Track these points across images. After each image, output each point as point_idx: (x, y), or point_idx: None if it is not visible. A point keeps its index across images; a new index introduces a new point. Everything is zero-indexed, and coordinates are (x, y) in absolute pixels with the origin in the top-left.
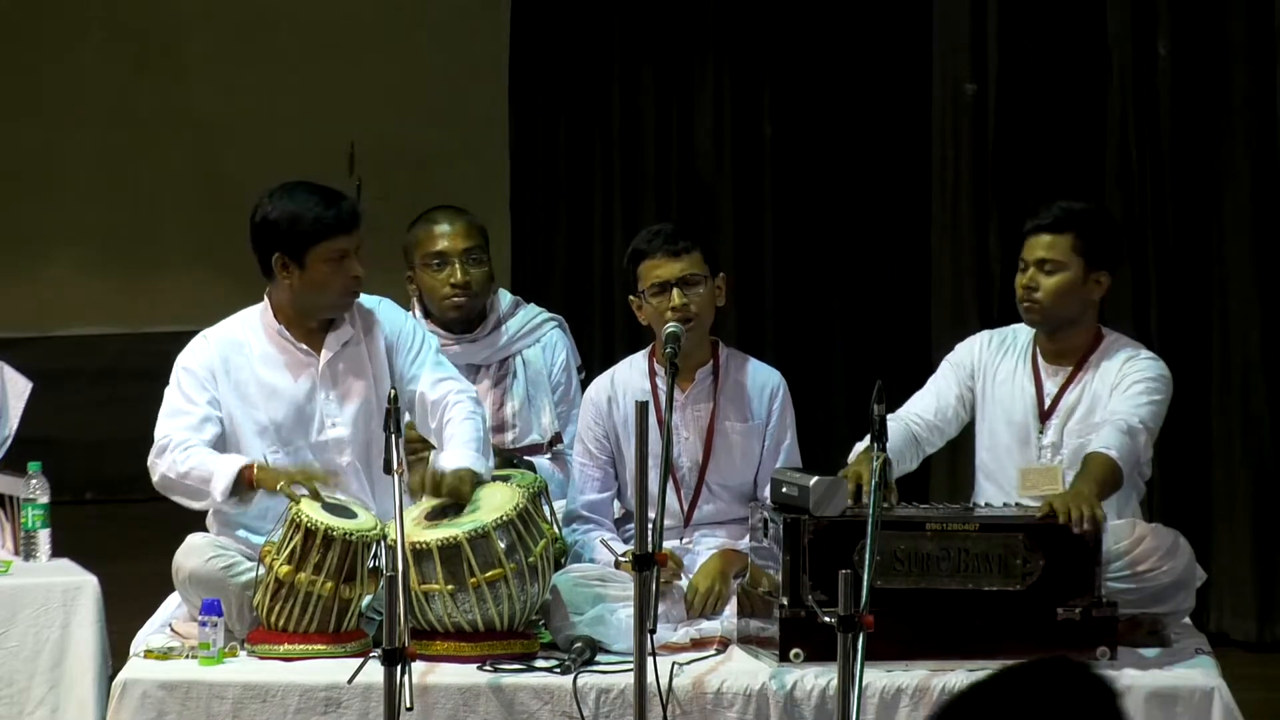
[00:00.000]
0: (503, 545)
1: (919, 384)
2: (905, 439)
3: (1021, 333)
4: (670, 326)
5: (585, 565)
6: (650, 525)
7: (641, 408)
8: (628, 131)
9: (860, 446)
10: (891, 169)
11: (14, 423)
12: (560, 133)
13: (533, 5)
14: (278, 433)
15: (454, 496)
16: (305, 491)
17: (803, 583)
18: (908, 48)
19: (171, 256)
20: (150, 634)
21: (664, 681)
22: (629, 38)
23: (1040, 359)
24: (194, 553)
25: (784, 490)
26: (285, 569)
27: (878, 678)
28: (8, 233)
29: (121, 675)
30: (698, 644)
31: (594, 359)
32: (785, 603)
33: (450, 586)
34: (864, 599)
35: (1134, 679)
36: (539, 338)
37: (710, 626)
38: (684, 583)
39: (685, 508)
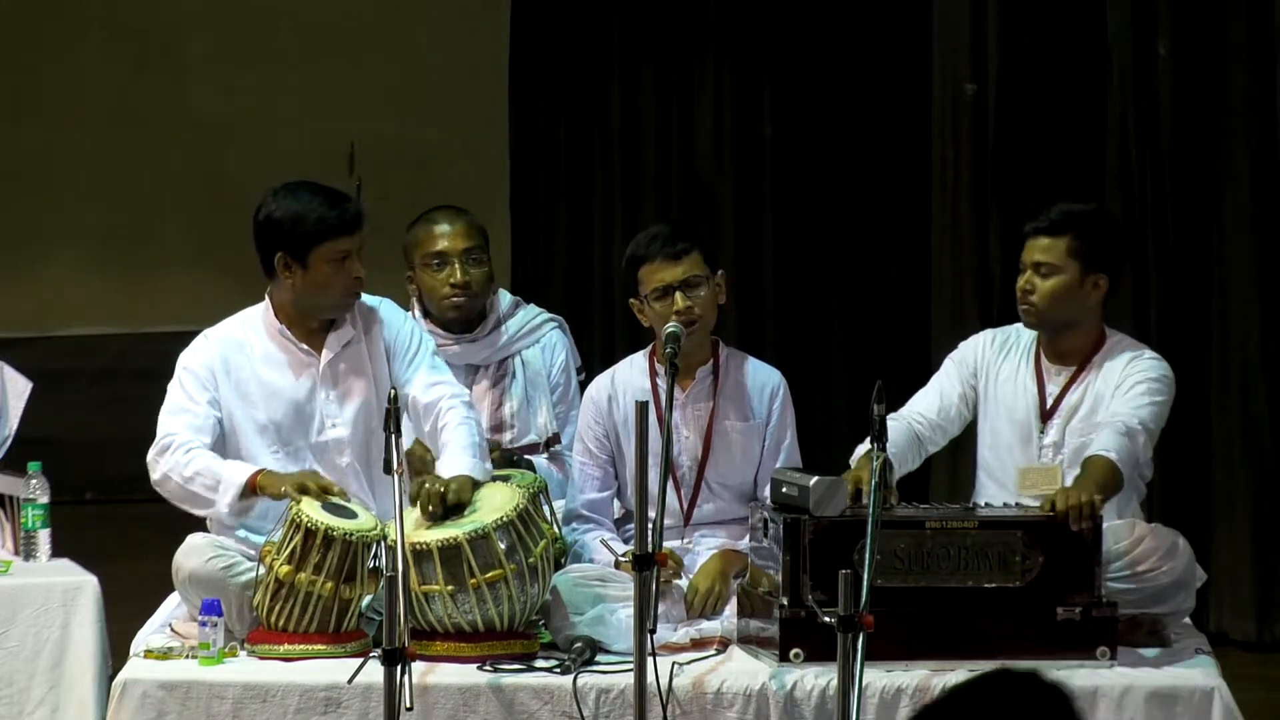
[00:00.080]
0: (503, 546)
1: (919, 384)
2: (908, 438)
3: (1025, 332)
4: (670, 326)
5: (585, 565)
6: (650, 525)
7: (641, 407)
8: (628, 131)
9: (862, 449)
10: (891, 169)
11: (14, 423)
12: (560, 133)
13: (533, 5)
14: (278, 432)
15: (454, 501)
16: (308, 500)
17: (803, 583)
18: (908, 48)
19: (171, 256)
20: (150, 634)
21: (664, 681)
22: (629, 38)
23: (1043, 359)
24: (194, 553)
25: (784, 490)
26: (285, 569)
27: (878, 678)
28: (8, 233)
29: (121, 675)
30: (698, 644)
31: (594, 359)
32: (785, 603)
33: (450, 587)
34: (864, 599)
35: (1134, 679)
36: (538, 338)
37: (710, 626)
38: (684, 583)
39: (685, 506)
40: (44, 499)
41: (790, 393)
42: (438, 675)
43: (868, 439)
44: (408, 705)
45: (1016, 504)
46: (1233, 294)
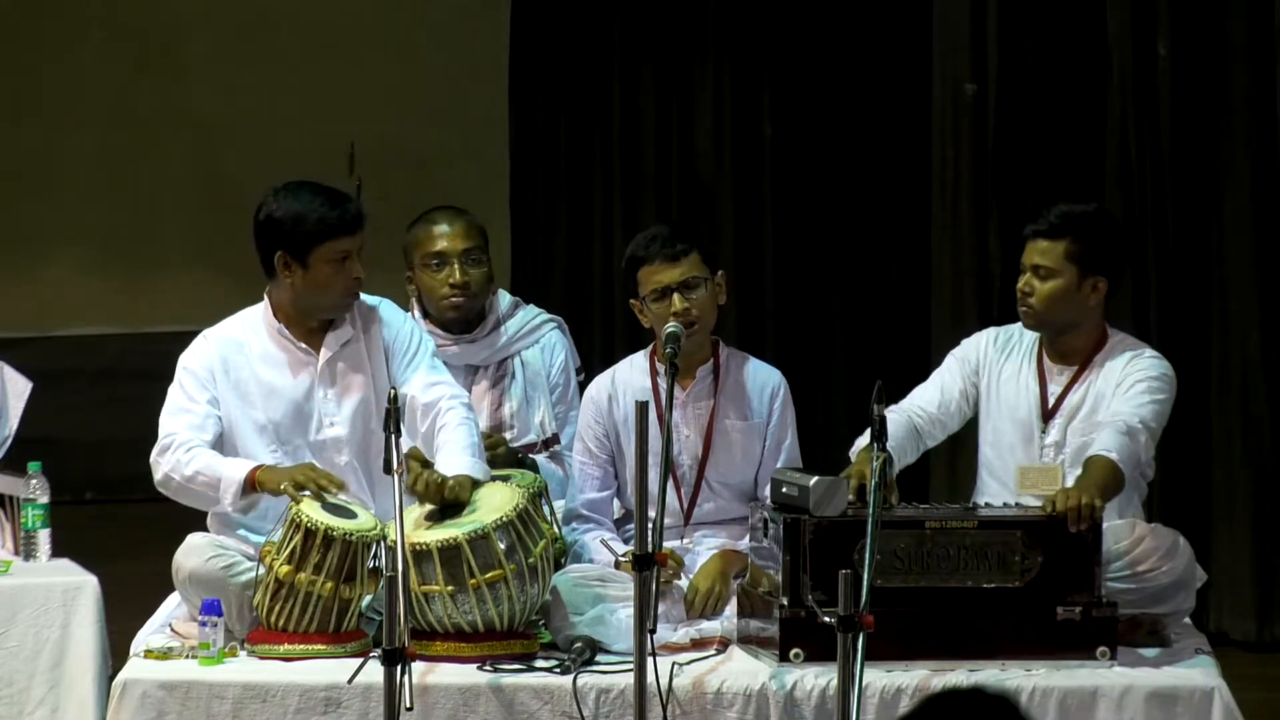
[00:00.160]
0: (502, 546)
1: (919, 384)
2: (907, 431)
3: (1027, 331)
4: (670, 326)
5: (585, 565)
6: (650, 524)
7: (641, 407)
8: (628, 131)
9: (861, 442)
10: (891, 169)
11: (14, 423)
12: (560, 133)
13: (533, 5)
14: (276, 432)
15: (455, 502)
16: (308, 493)
17: (803, 583)
18: (908, 48)
19: (171, 256)
20: (150, 634)
21: (664, 681)
22: (629, 38)
23: (1045, 358)
24: (194, 553)
25: (784, 490)
26: (285, 569)
27: (878, 678)
28: (8, 233)
29: (121, 675)
30: (698, 644)
31: (594, 359)
32: (785, 603)
33: (450, 587)
34: (864, 599)
35: (1134, 679)
36: (538, 339)
37: (710, 626)
38: (684, 583)
39: (685, 506)
40: (44, 499)
41: (790, 392)
42: (438, 675)
43: (867, 432)
44: (408, 705)
45: (1017, 504)
46: (1233, 294)
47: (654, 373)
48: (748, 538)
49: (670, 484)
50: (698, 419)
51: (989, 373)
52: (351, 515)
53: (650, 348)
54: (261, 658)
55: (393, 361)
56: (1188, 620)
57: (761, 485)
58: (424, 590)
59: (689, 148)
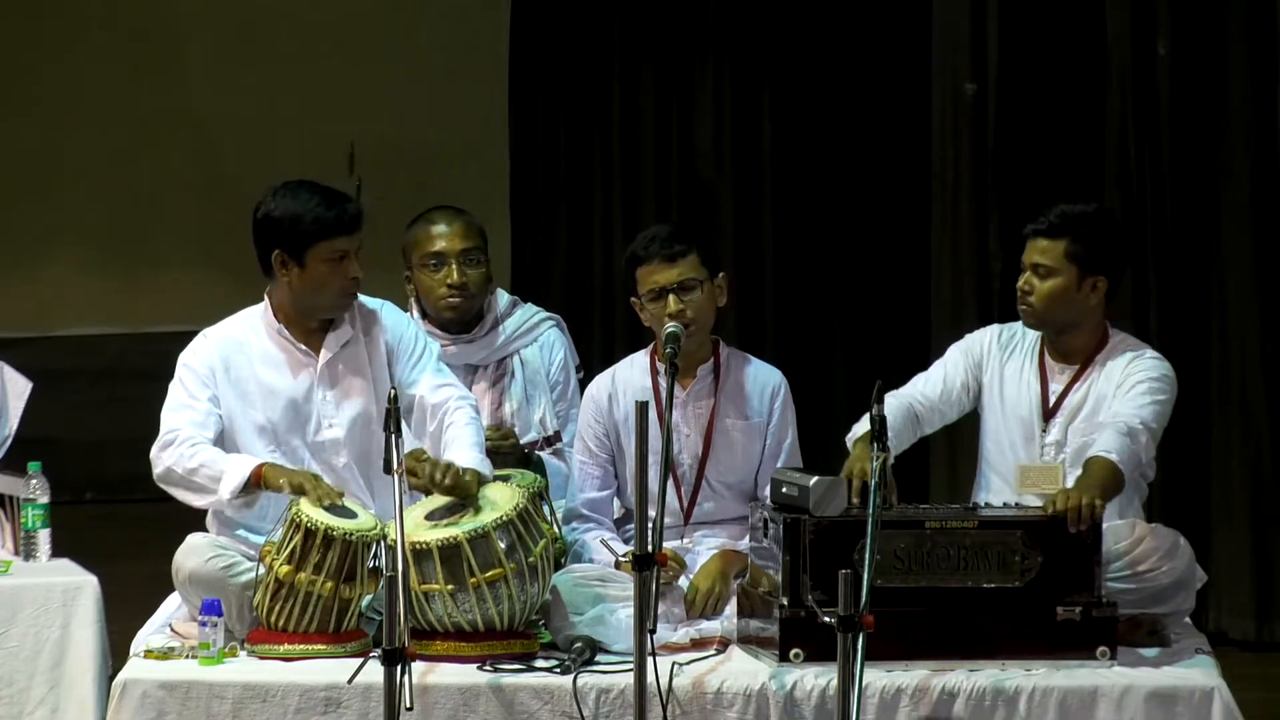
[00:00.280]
0: (503, 545)
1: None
2: (907, 417)
3: (1030, 330)
4: (670, 326)
5: (585, 565)
6: (650, 524)
7: (641, 406)
8: (628, 131)
9: (859, 429)
10: (891, 169)
11: (14, 423)
12: (560, 133)
13: (533, 5)
14: (275, 432)
15: (460, 492)
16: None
17: (803, 583)
18: (908, 48)
19: (171, 256)
20: (150, 634)
21: (664, 681)
22: (629, 38)
23: (1047, 357)
24: (194, 553)
25: (784, 490)
26: (285, 569)
27: (878, 678)
28: (8, 233)
29: (121, 675)
30: (698, 644)
31: (594, 359)
32: (785, 603)
33: (450, 586)
34: (864, 599)
35: (1134, 679)
36: (536, 337)
37: (710, 626)
38: (684, 583)
39: (685, 505)
40: (44, 499)
41: (791, 392)
42: (438, 675)
43: (865, 418)
44: (408, 705)
45: (1016, 504)
46: (1232, 294)
47: (654, 372)
48: (748, 538)
49: (670, 484)
50: (698, 419)
51: (992, 369)
52: (351, 515)
53: (651, 347)
54: (261, 658)
55: (397, 363)
56: (1188, 620)
57: (761, 485)
58: (424, 589)
59: (689, 148)
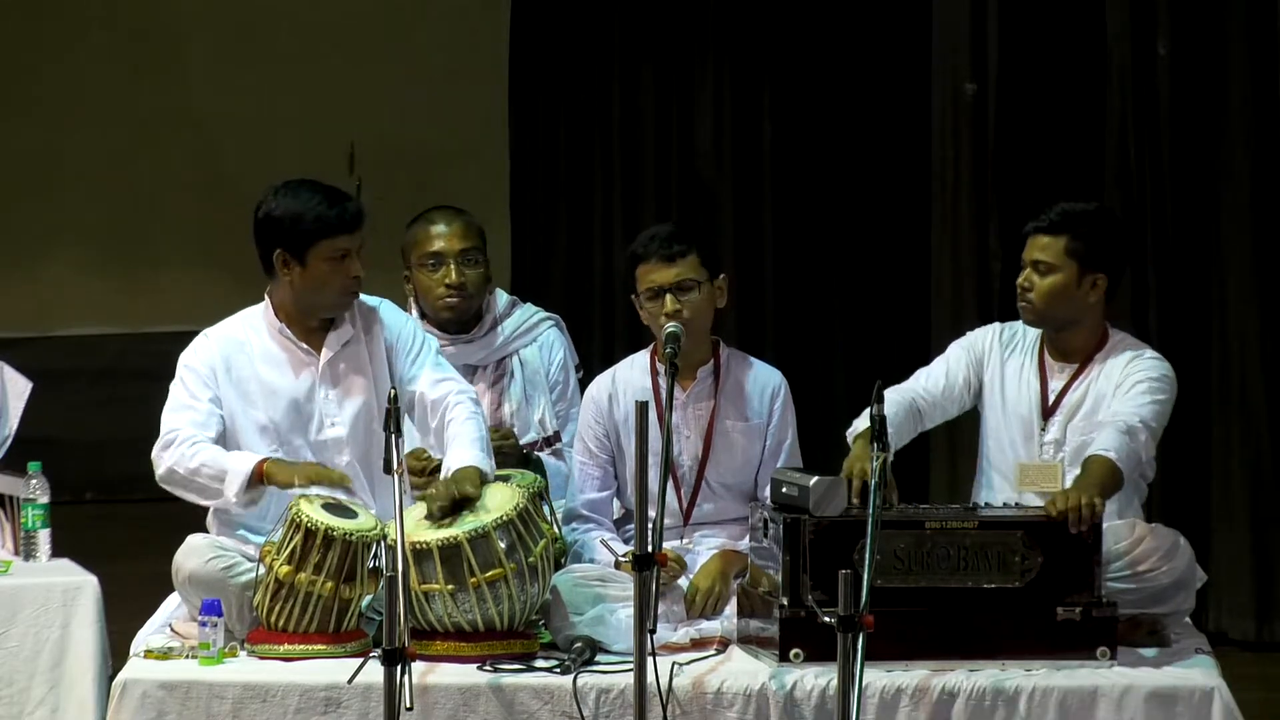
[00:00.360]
0: (503, 545)
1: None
2: (909, 412)
3: (1030, 329)
4: (670, 326)
5: (585, 565)
6: (650, 524)
7: (641, 407)
8: (628, 131)
9: (859, 425)
10: (891, 169)
11: (14, 423)
12: (560, 133)
13: (533, 5)
14: (277, 432)
15: (461, 496)
16: (317, 490)
17: (803, 583)
18: (908, 48)
19: (171, 256)
20: (150, 634)
21: (664, 681)
22: (629, 38)
23: (1047, 356)
24: (194, 553)
25: (784, 490)
26: (285, 569)
27: (878, 678)
28: (8, 233)
29: (121, 675)
30: (698, 644)
31: (594, 359)
32: (785, 603)
33: (450, 586)
34: (864, 599)
35: (1134, 679)
36: (535, 337)
37: (710, 626)
38: (684, 583)
39: (685, 506)
40: (44, 499)
41: (790, 393)
42: (438, 675)
43: (865, 414)
44: (408, 705)
45: (1016, 504)
46: (1232, 294)
47: (654, 373)
48: (748, 538)
49: (670, 485)
50: (698, 420)
51: (993, 368)
52: (351, 515)
53: (651, 348)
54: (261, 658)
55: (397, 360)
56: (1188, 620)
57: (761, 486)
58: (424, 589)
59: (689, 148)
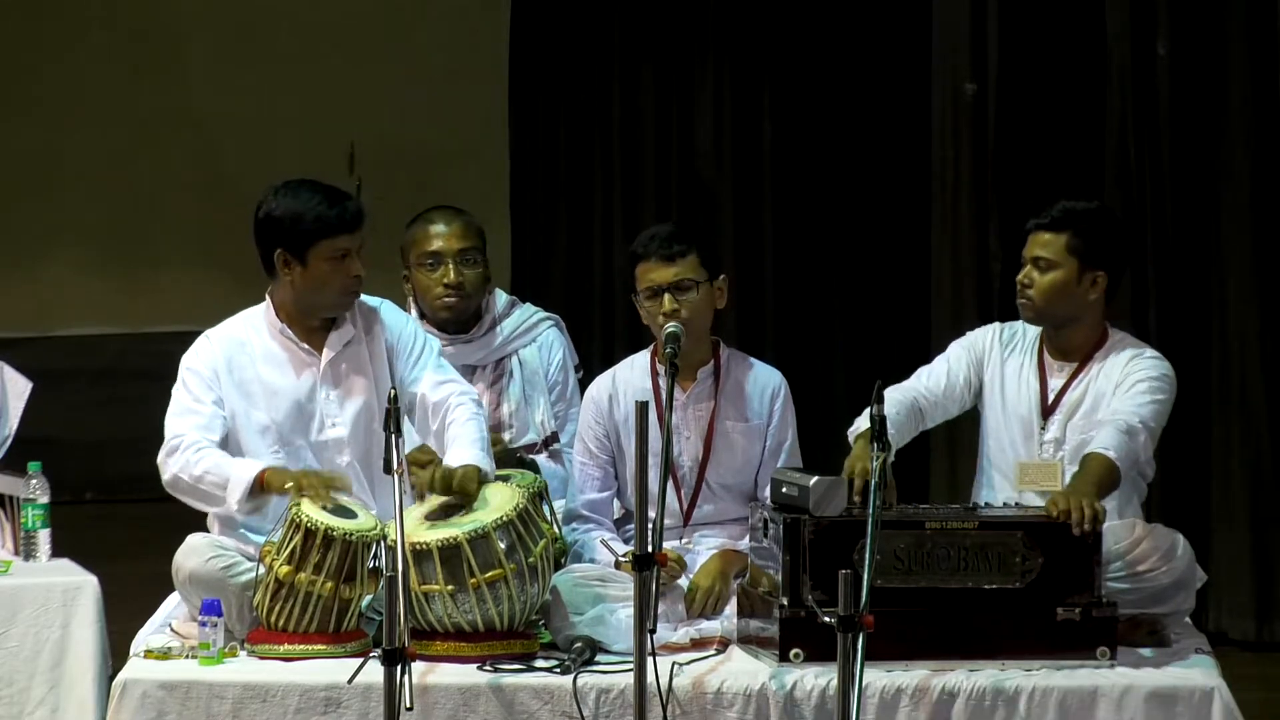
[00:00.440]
0: (503, 545)
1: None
2: (910, 411)
3: (1030, 328)
4: (670, 327)
5: (585, 565)
6: (650, 525)
7: (641, 407)
8: (628, 131)
9: (860, 424)
10: (891, 169)
11: (14, 423)
12: (560, 133)
13: (533, 5)
14: (279, 432)
15: (462, 492)
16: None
17: (803, 583)
18: (908, 48)
19: (171, 256)
20: (150, 634)
21: (664, 681)
22: (629, 38)
23: (1046, 354)
24: (194, 553)
25: (784, 490)
26: (285, 569)
27: (878, 678)
28: (8, 233)
29: (121, 675)
30: (698, 644)
31: (594, 359)
32: (785, 603)
33: (450, 587)
34: (864, 599)
35: (1134, 679)
36: (535, 337)
37: (710, 626)
38: (684, 583)
39: (685, 507)
40: (44, 499)
41: (790, 393)
42: (438, 675)
43: (866, 413)
44: (408, 705)
45: (1016, 504)
46: (1232, 294)
47: (654, 373)
48: (748, 538)
49: (670, 485)
50: (698, 420)
51: (993, 367)
52: (351, 515)
53: (651, 348)
54: (261, 658)
55: (397, 361)
56: (1188, 620)
57: (761, 486)
58: (424, 590)
59: (689, 148)
